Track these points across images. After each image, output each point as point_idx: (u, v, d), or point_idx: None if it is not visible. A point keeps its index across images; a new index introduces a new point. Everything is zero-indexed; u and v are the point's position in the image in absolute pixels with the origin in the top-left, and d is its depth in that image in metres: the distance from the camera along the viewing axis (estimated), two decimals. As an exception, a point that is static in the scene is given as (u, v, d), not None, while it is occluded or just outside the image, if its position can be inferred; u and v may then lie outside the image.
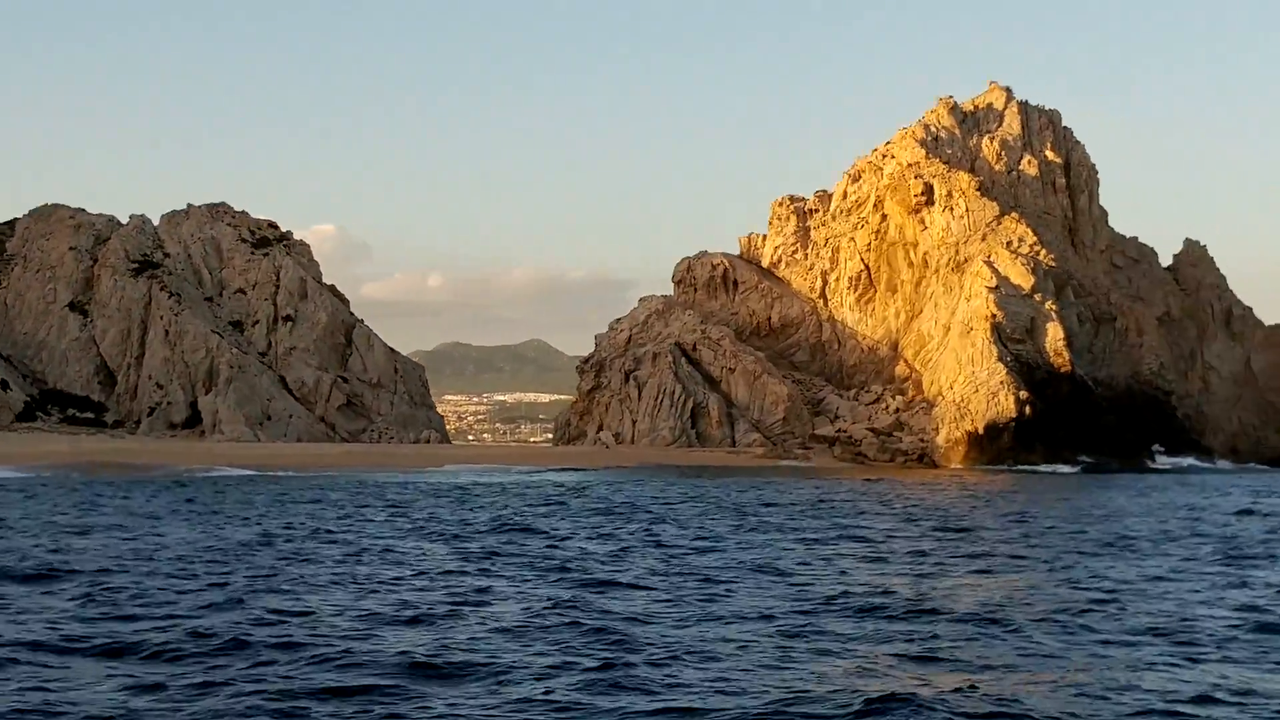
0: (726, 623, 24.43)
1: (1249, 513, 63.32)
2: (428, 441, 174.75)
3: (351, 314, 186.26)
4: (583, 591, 28.79)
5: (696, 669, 20.04)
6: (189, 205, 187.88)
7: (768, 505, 64.59)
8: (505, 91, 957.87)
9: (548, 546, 40.02)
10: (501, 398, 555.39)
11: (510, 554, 37.49)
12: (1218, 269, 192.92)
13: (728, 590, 29.55)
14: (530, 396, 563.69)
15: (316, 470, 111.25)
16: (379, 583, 30.13)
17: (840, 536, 45.73)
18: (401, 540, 41.63)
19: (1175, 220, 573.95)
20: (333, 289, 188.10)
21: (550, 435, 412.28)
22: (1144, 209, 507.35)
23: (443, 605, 26.15)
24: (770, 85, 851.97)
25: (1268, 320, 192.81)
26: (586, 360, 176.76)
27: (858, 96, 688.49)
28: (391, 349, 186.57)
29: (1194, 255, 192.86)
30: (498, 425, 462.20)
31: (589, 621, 23.87)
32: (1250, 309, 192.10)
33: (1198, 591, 30.73)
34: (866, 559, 37.61)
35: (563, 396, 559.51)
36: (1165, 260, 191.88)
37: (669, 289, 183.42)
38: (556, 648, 21.51)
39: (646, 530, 47.05)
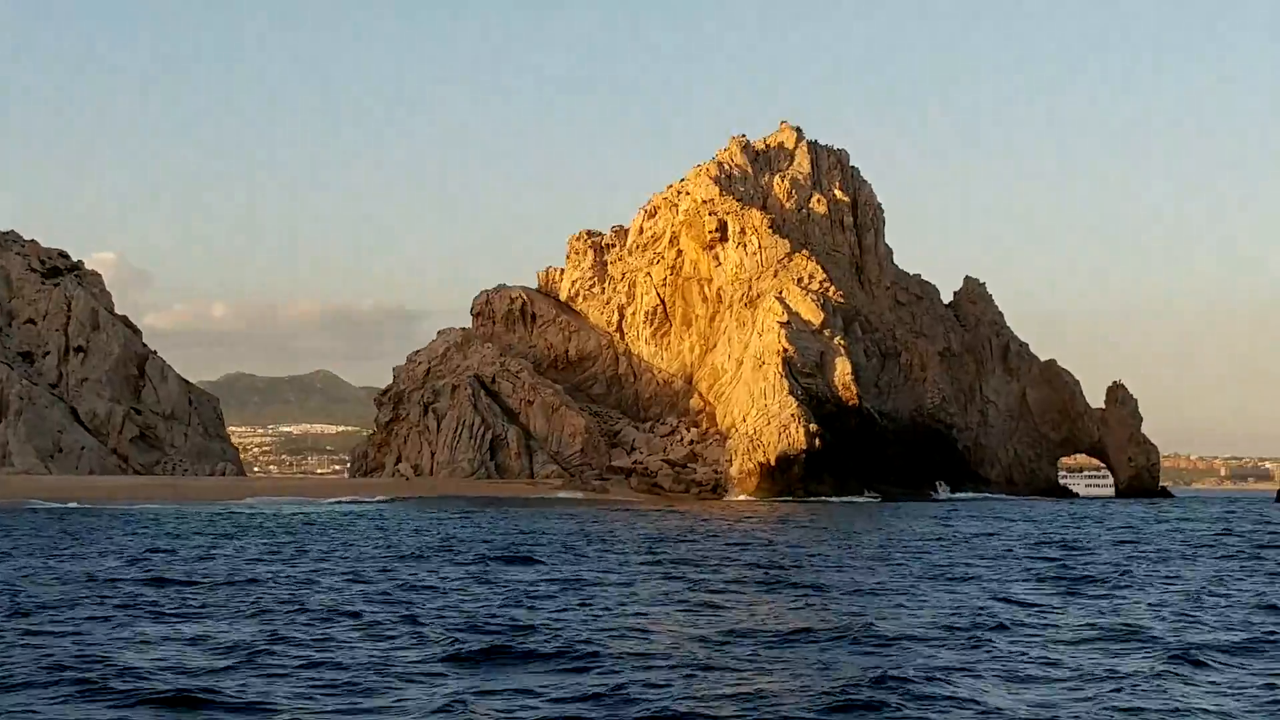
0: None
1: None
2: (223, 474, 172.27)
3: (144, 345, 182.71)
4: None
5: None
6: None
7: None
8: (289, 118, 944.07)
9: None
10: (288, 429, 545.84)
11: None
12: (996, 306, 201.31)
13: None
14: (318, 428, 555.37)
15: (126, 502, 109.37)
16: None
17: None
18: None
19: (955, 259, 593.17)
20: (124, 319, 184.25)
21: (339, 467, 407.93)
22: (926, 248, 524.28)
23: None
24: (567, 120, 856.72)
25: (1043, 356, 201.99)
26: (384, 392, 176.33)
27: (653, 134, 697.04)
28: (185, 380, 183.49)
29: (973, 293, 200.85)
30: (284, 457, 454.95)
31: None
32: (1026, 345, 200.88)
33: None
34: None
35: (351, 428, 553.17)
36: (946, 297, 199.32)
37: (462, 321, 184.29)
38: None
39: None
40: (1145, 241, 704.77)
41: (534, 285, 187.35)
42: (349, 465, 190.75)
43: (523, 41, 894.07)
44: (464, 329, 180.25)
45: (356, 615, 29.78)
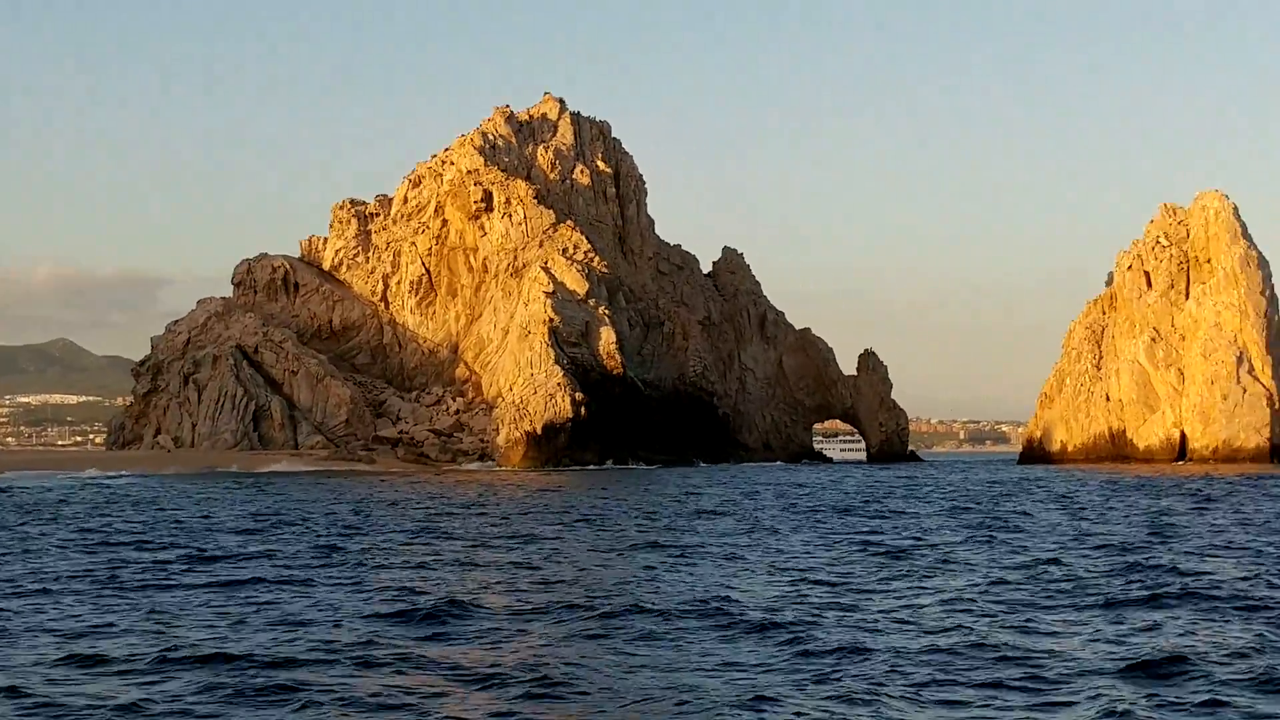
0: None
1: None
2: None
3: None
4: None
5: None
6: None
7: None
8: (21, 74, 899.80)
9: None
10: (25, 400, 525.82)
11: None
12: (754, 276, 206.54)
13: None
14: (57, 398, 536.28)
15: None
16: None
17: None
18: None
19: (715, 229, 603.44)
20: None
21: (80, 439, 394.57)
22: (686, 218, 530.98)
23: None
24: (327, 87, 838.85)
25: (798, 325, 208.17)
26: (142, 363, 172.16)
27: (417, 103, 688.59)
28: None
29: (732, 263, 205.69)
30: (22, 429, 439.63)
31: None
32: (782, 314, 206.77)
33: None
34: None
35: (92, 398, 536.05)
36: (705, 268, 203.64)
37: (210, 288, 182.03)
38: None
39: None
40: (894, 214, 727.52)
41: (296, 254, 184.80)
42: (106, 437, 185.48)
43: (282, 10, 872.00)
44: (225, 298, 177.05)
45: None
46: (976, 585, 31.19)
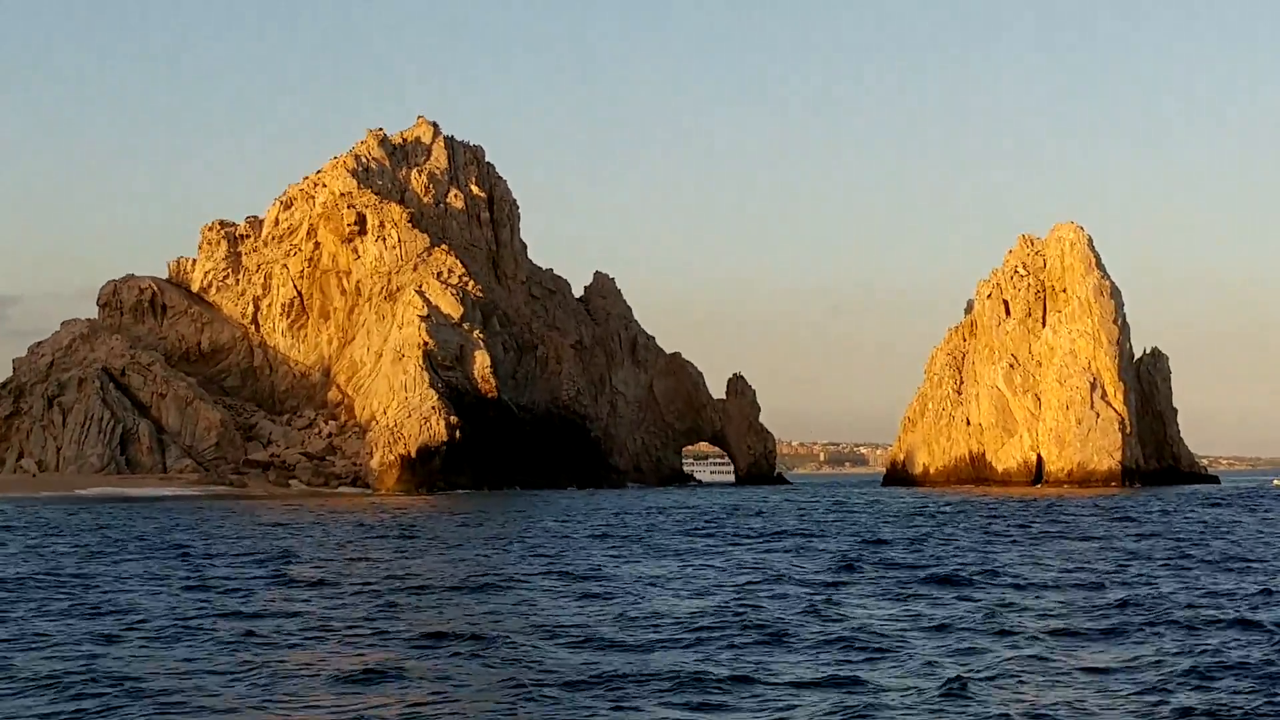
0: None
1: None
2: None
3: None
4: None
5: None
6: None
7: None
8: None
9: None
10: None
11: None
12: (624, 300, 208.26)
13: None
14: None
15: None
16: None
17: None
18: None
19: (586, 254, 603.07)
20: None
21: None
22: (557, 242, 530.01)
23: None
24: (196, 105, 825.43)
25: (668, 349, 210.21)
26: (3, 385, 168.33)
27: (288, 123, 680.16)
28: None
29: (603, 288, 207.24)
30: None
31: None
32: (653, 338, 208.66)
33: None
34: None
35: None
36: (577, 292, 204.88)
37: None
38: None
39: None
40: (759, 236, 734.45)
41: (163, 275, 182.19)
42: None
43: (150, 22, 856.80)
44: (90, 320, 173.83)
45: None
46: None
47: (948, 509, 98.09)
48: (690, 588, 38.20)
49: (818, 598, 35.09)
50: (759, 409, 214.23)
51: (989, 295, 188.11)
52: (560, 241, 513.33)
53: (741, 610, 32.05)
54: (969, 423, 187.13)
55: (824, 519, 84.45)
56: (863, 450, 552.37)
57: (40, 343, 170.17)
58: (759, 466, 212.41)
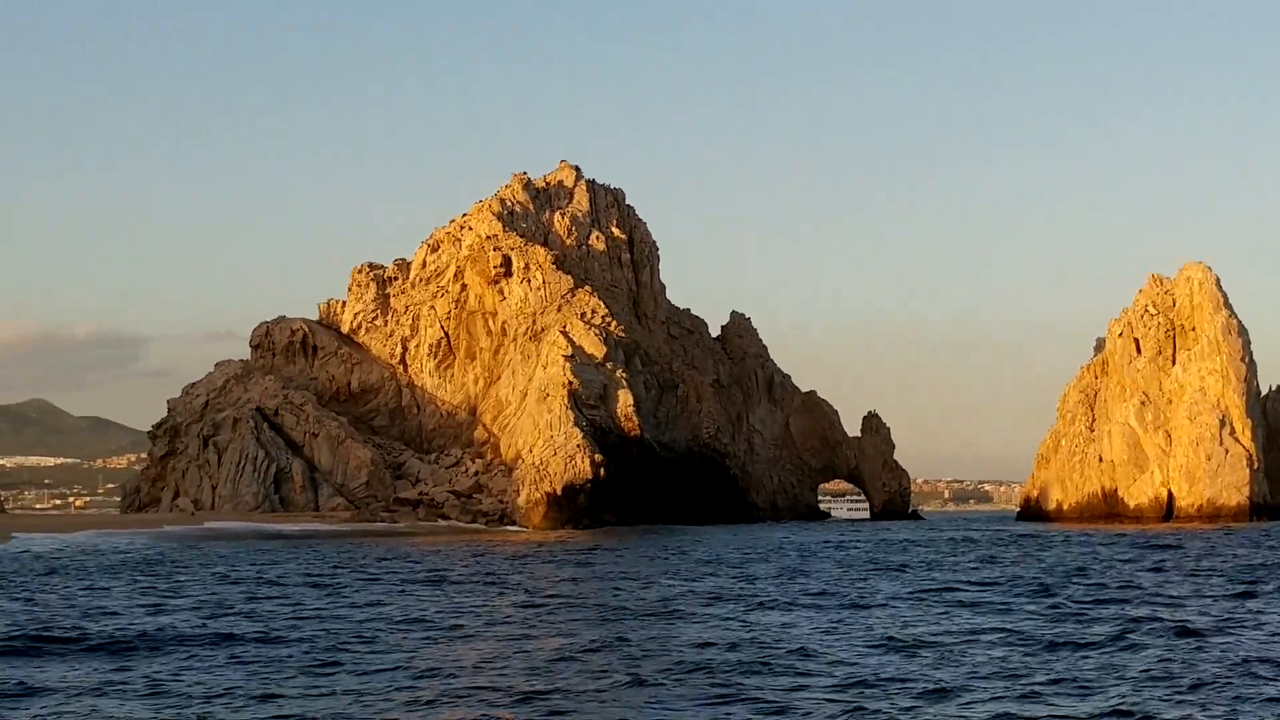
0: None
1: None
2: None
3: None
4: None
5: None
6: None
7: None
8: (12, 127, 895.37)
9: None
10: (0, 462, 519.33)
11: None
12: (760, 339, 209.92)
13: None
14: (34, 460, 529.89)
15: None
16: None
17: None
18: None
19: (722, 293, 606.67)
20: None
21: (59, 502, 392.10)
22: (692, 282, 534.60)
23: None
24: (342, 152, 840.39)
25: (804, 387, 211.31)
26: (159, 425, 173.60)
27: (433, 168, 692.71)
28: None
29: (739, 327, 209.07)
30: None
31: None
32: (789, 376, 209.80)
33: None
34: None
35: (70, 460, 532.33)
36: (714, 331, 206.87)
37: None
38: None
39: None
40: (890, 279, 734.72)
41: (313, 316, 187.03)
42: (121, 500, 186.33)
43: (296, 68, 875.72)
44: (243, 361, 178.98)
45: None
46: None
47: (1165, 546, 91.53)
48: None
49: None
50: (893, 446, 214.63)
51: (1120, 334, 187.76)
52: (695, 282, 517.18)
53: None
54: (1101, 459, 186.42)
55: (1050, 563, 72.03)
56: (987, 487, 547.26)
57: (194, 384, 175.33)
58: (894, 503, 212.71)
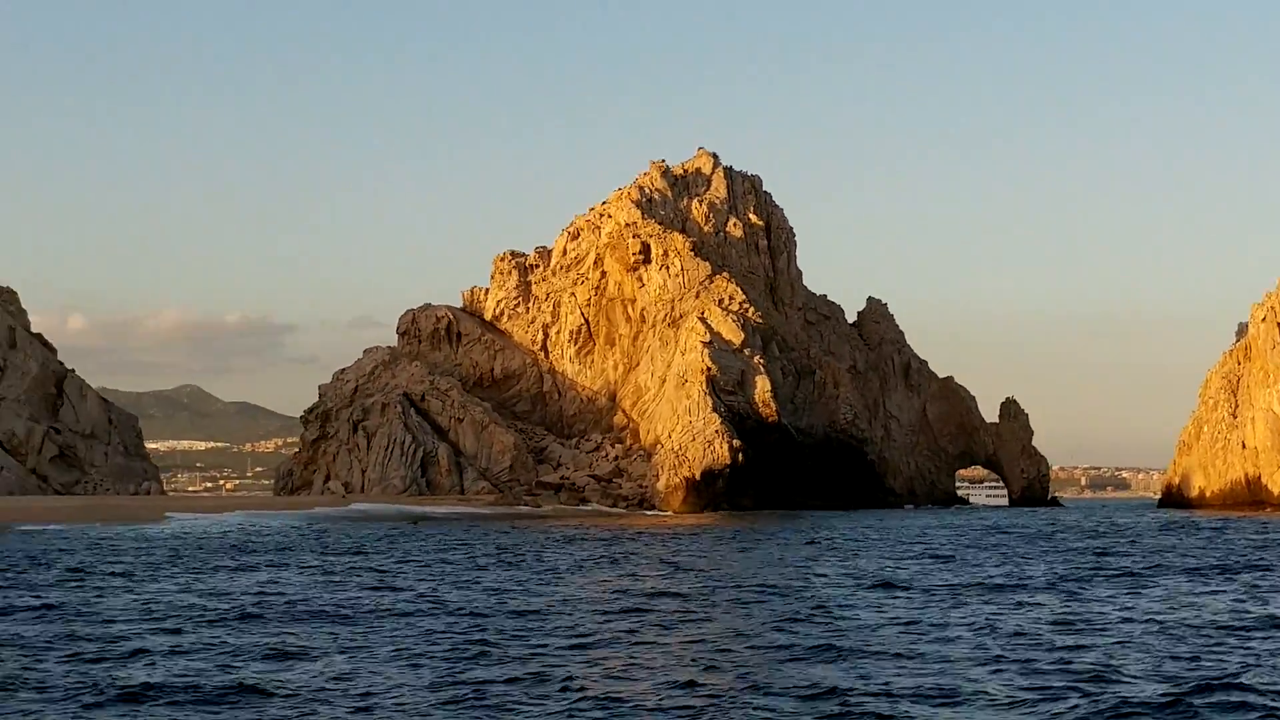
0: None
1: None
2: (148, 493, 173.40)
3: (61, 363, 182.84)
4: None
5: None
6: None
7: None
8: (168, 119, 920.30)
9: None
10: (154, 446, 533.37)
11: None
12: (897, 325, 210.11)
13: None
14: (185, 444, 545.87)
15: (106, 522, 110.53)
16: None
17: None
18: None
19: (858, 278, 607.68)
20: (40, 338, 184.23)
21: (210, 484, 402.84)
22: (827, 268, 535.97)
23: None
24: (481, 144, 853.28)
25: (941, 373, 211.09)
26: (310, 410, 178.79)
27: (572, 157, 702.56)
28: (104, 399, 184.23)
29: (876, 312, 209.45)
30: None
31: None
32: (925, 362, 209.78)
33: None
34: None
35: (220, 444, 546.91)
36: (851, 317, 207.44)
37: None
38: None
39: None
40: (1024, 261, 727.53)
41: (457, 304, 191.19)
42: (274, 483, 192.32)
43: (439, 63, 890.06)
44: (390, 347, 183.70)
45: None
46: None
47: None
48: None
49: None
50: (1032, 432, 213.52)
51: (1263, 318, 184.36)
52: (829, 267, 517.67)
53: None
54: (1244, 446, 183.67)
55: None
56: (1124, 474, 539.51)
57: (344, 370, 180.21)
58: (1032, 490, 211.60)
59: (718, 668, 26.08)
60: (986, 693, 23.28)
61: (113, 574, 50.70)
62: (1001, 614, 36.02)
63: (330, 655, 27.96)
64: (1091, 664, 26.45)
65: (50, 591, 42.63)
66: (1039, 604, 39.16)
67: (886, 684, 23.99)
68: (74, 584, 45.81)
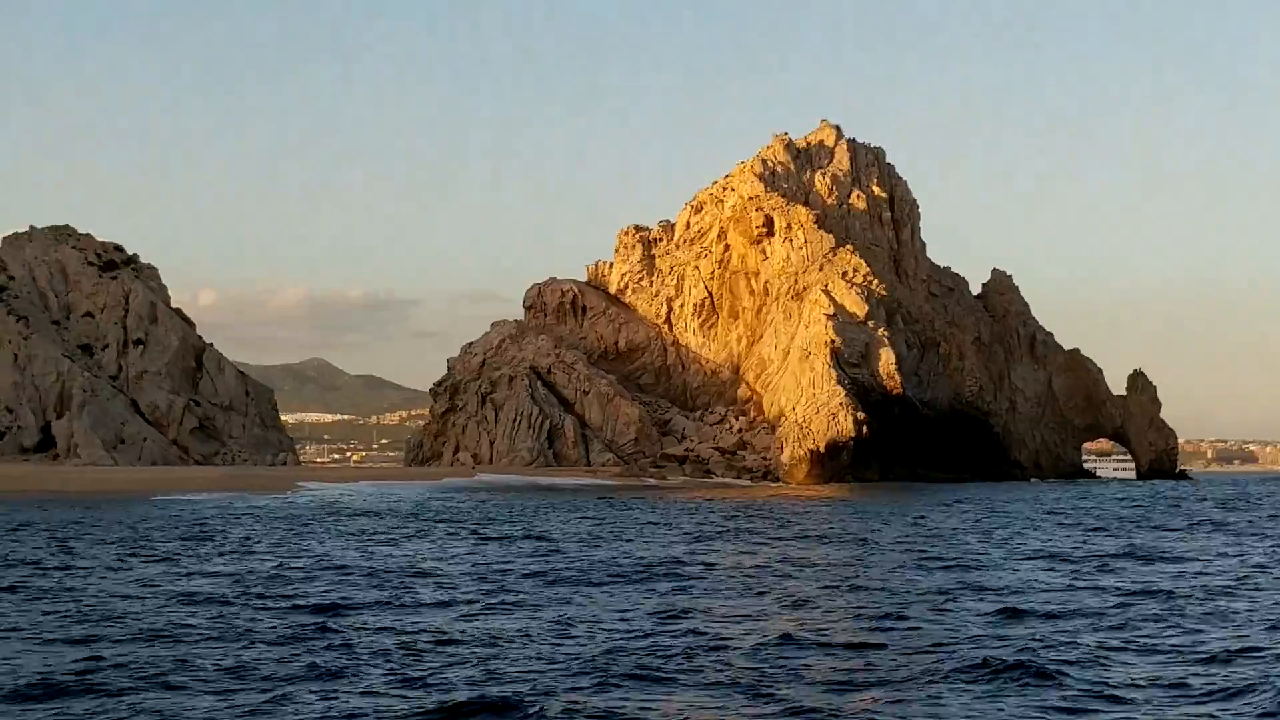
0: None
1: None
2: (284, 464, 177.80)
3: (200, 337, 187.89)
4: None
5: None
6: (30, 227, 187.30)
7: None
8: (294, 99, 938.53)
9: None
10: (283, 418, 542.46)
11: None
12: (1022, 297, 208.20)
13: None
14: (313, 417, 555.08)
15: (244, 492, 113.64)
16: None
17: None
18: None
19: (982, 250, 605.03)
20: (179, 312, 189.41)
21: (337, 456, 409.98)
22: (951, 239, 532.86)
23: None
24: (603, 120, 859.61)
25: (1067, 345, 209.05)
26: (440, 383, 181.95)
27: (695, 131, 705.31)
28: (241, 372, 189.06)
29: (1001, 284, 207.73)
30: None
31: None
32: (1051, 335, 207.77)
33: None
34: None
35: (346, 416, 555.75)
36: (975, 289, 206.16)
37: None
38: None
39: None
40: (1150, 232, 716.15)
41: (582, 278, 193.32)
42: (405, 454, 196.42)
43: (566, 38, 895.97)
44: (517, 321, 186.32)
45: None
46: None
47: None
48: None
49: None
50: (1159, 405, 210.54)
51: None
52: (954, 239, 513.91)
53: None
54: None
55: None
56: (1252, 448, 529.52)
57: (472, 343, 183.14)
58: (1160, 463, 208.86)
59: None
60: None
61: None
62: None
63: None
64: None
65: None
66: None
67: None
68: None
